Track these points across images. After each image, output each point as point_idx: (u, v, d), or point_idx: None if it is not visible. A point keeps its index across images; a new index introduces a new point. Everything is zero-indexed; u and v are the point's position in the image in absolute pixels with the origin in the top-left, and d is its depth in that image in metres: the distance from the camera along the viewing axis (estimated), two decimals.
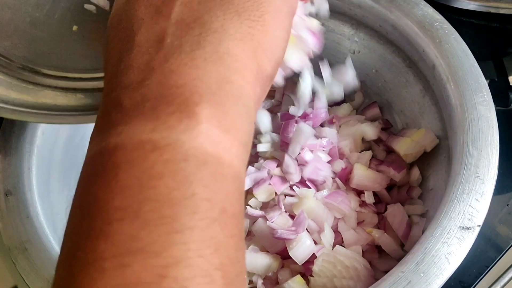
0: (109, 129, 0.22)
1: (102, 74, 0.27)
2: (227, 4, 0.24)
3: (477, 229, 0.36)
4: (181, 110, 0.21)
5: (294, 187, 0.47)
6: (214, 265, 0.20)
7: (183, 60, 0.23)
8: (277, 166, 0.48)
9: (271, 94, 0.62)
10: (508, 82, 0.55)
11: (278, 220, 0.44)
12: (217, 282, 0.20)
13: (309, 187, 0.47)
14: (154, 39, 0.24)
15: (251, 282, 0.44)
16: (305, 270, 0.43)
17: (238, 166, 0.23)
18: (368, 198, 0.47)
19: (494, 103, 0.42)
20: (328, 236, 0.44)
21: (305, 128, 0.47)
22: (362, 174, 0.47)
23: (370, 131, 0.50)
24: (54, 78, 0.38)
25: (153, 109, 0.22)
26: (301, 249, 0.43)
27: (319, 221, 0.45)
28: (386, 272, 0.36)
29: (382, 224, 0.46)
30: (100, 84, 0.37)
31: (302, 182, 0.48)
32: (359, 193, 0.48)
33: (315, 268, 0.42)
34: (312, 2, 0.34)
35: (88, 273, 0.19)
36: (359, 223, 0.46)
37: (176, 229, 0.19)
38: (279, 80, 0.31)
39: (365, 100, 0.56)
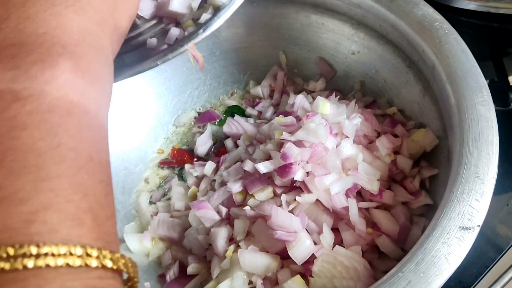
0: None
1: None
2: None
3: (477, 229, 0.36)
4: (43, 60, 0.21)
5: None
6: (83, 209, 0.20)
7: (42, 6, 0.22)
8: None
9: (270, 94, 0.63)
10: (508, 82, 0.55)
11: (278, 219, 0.44)
12: (87, 224, 0.20)
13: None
14: None
15: (250, 282, 0.44)
16: (305, 271, 0.43)
17: (102, 116, 0.23)
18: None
19: (494, 103, 0.42)
20: (327, 237, 0.44)
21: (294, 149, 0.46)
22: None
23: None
24: None
25: (11, 57, 0.21)
26: (300, 249, 0.43)
27: (319, 222, 0.45)
28: (386, 272, 0.36)
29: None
30: None
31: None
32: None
33: (315, 268, 0.42)
34: None
35: None
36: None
37: (43, 177, 0.19)
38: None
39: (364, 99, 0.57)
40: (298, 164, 0.46)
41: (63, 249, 0.19)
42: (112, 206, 0.23)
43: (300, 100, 0.53)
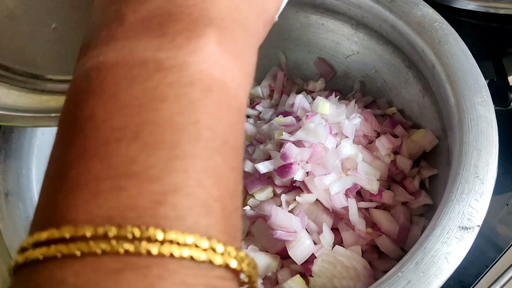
0: (108, 43, 0.20)
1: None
2: None
3: (477, 229, 0.36)
4: (190, 29, 0.20)
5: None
6: (214, 197, 0.18)
7: None
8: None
9: (270, 94, 0.63)
10: (508, 82, 0.55)
11: (278, 219, 0.44)
12: (215, 214, 0.18)
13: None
14: None
15: None
16: (305, 270, 0.43)
17: (242, 97, 0.21)
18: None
19: (494, 103, 0.42)
20: (327, 237, 0.44)
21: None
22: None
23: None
24: (23, 76, 0.36)
25: (160, 25, 0.20)
26: (300, 249, 0.43)
27: (319, 222, 0.45)
28: (386, 272, 0.36)
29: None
30: None
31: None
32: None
33: (315, 268, 0.42)
34: None
35: (81, 194, 0.18)
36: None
37: (177, 155, 0.18)
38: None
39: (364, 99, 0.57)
40: (298, 164, 0.46)
41: (189, 239, 0.17)
42: (240, 197, 0.21)
43: (300, 100, 0.53)
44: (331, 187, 0.45)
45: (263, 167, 0.47)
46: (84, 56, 0.21)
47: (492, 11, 0.58)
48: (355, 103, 0.53)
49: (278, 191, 0.47)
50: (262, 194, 0.47)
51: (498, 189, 0.39)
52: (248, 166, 0.49)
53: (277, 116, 0.54)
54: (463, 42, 0.45)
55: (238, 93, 0.21)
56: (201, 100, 0.19)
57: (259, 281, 0.44)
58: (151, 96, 0.19)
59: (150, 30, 0.20)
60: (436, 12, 0.48)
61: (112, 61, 0.20)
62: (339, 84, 0.59)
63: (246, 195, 0.48)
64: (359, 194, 0.48)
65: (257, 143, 0.53)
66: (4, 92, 0.36)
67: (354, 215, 0.45)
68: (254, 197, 0.47)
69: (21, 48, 0.37)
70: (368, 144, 0.51)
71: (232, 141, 0.20)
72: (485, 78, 0.43)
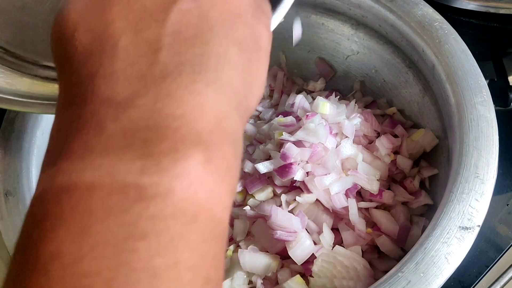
0: (83, 157, 0.18)
1: None
2: (228, 28, 0.21)
3: (477, 229, 0.36)
4: (177, 149, 0.18)
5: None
6: None
7: (183, 82, 0.19)
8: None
9: (270, 94, 0.63)
10: (508, 82, 0.55)
11: (278, 219, 0.44)
12: None
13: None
14: (145, 47, 0.19)
15: (250, 282, 0.44)
16: (305, 270, 0.43)
17: (226, 220, 0.19)
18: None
19: (494, 103, 0.42)
20: (327, 237, 0.44)
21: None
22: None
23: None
24: (35, 65, 0.37)
25: (144, 141, 0.18)
26: (300, 249, 0.43)
27: (319, 222, 0.45)
28: (386, 272, 0.36)
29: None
30: None
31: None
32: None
33: (315, 268, 0.42)
34: None
35: None
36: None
37: None
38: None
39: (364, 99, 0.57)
40: (298, 164, 0.46)
41: None
42: None
43: (300, 100, 0.53)
44: (331, 187, 0.45)
45: (263, 167, 0.47)
46: (53, 166, 0.18)
47: (492, 11, 0.58)
48: (355, 103, 0.53)
49: (278, 191, 0.47)
50: (262, 194, 0.47)
51: (498, 189, 0.39)
52: (248, 166, 0.49)
53: (277, 116, 0.54)
54: (463, 42, 0.45)
55: (224, 216, 0.19)
56: (184, 235, 0.17)
57: (259, 281, 0.44)
58: (129, 233, 0.16)
59: (133, 148, 0.18)
60: (436, 12, 0.48)
61: (87, 183, 0.17)
62: (339, 84, 0.59)
63: (246, 195, 0.48)
64: (359, 194, 0.48)
65: (257, 143, 0.53)
66: (17, 79, 0.36)
67: (354, 215, 0.45)
68: (254, 197, 0.47)
69: (33, 38, 0.37)
70: (368, 144, 0.51)
71: (214, 278, 0.18)
72: (485, 78, 0.43)
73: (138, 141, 0.18)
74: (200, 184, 0.18)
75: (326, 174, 0.45)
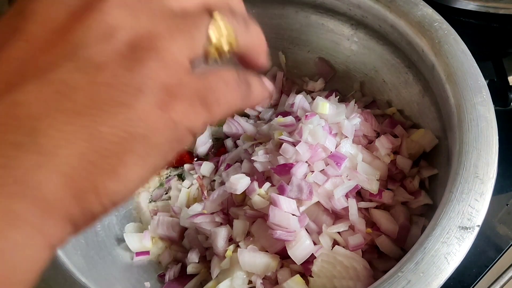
0: None
1: None
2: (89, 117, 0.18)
3: (477, 229, 0.36)
4: None
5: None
6: None
7: None
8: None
9: None
10: (508, 82, 0.55)
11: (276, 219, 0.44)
12: None
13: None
14: None
15: (250, 282, 0.44)
16: (305, 270, 0.43)
17: None
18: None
19: (494, 103, 0.42)
20: (327, 237, 0.44)
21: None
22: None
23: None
24: None
25: None
26: (300, 249, 0.43)
27: (319, 222, 0.45)
28: (386, 272, 0.36)
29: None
30: None
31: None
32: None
33: (315, 268, 0.42)
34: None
35: None
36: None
37: None
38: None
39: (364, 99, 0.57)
40: (298, 163, 0.46)
41: None
42: None
43: (299, 100, 0.53)
44: (335, 192, 0.45)
45: (262, 158, 0.47)
46: None
47: (492, 11, 0.58)
48: (355, 103, 0.53)
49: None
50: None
51: (498, 189, 0.39)
52: (247, 167, 0.49)
53: (276, 116, 0.54)
54: (463, 42, 0.45)
55: None
56: None
57: (259, 281, 0.44)
58: None
59: None
60: (436, 12, 0.48)
61: None
62: (339, 84, 0.59)
63: (246, 196, 0.48)
64: (359, 194, 0.48)
65: (257, 143, 0.53)
66: None
67: (354, 215, 0.45)
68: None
69: None
70: (368, 144, 0.51)
71: None
72: (485, 78, 0.43)
73: None
74: None
75: (328, 179, 0.45)
